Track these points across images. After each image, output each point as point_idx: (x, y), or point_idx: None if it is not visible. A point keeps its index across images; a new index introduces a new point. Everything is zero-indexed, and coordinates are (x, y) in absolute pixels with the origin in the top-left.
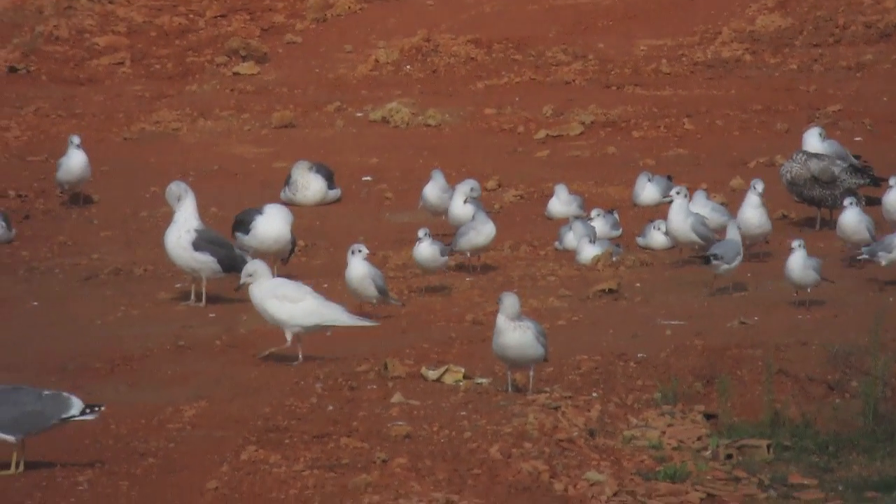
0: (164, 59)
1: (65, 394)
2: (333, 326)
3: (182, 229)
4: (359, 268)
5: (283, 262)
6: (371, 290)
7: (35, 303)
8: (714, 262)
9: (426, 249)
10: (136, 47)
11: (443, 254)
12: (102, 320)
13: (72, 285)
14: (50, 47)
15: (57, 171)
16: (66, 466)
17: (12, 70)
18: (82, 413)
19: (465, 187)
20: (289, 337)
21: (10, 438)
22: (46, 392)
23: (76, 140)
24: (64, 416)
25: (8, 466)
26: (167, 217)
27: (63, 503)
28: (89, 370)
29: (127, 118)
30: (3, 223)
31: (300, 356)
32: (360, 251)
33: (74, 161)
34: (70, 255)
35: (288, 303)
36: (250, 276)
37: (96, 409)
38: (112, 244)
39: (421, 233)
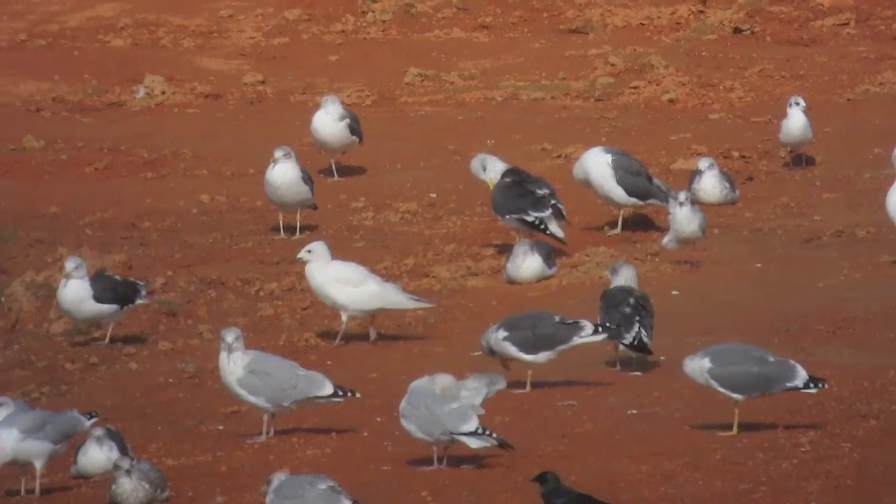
0: (890, 20)
1: (791, 361)
2: (393, 309)
3: None
4: None
5: None
6: None
7: (758, 264)
8: None
9: None
10: (861, 8)
11: None
12: (824, 282)
13: (794, 247)
14: (774, 8)
15: (779, 132)
16: (788, 428)
17: (737, 31)
18: (805, 386)
19: None
20: (345, 319)
21: (737, 397)
22: (773, 358)
23: (794, 101)
24: (788, 385)
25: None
26: (890, 179)
27: (785, 464)
28: (811, 332)
29: (850, 79)
30: (728, 184)
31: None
32: None
33: (795, 122)
34: (792, 217)
35: (350, 287)
36: (309, 252)
37: (819, 384)
38: (834, 206)
39: None
